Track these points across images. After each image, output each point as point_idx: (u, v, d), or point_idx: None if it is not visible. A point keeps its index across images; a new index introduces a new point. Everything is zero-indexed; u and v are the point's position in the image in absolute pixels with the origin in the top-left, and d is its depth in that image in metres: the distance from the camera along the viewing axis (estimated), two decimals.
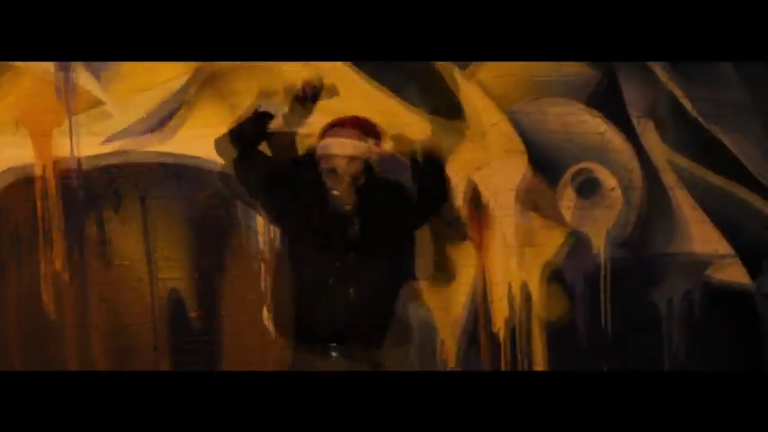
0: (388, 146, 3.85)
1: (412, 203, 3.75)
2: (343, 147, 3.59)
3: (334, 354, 3.57)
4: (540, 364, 4.40)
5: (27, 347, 3.89)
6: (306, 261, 3.60)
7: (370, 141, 3.64)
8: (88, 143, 3.86)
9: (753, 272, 4.48)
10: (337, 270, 3.55)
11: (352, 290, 3.54)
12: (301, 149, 3.86)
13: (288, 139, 3.89)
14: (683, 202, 4.55)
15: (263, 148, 3.79)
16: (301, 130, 3.89)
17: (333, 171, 3.57)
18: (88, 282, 3.92)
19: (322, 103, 3.85)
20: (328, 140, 3.60)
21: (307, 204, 3.62)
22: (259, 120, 3.72)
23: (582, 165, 4.46)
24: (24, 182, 3.86)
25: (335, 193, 3.59)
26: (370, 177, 3.64)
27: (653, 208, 4.54)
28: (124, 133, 3.89)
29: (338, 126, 3.64)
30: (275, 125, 3.78)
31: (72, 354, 3.93)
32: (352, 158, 3.58)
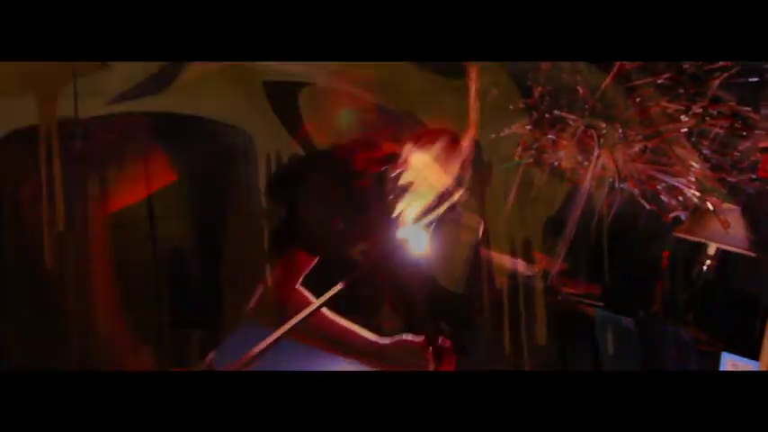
0: None
1: None
2: None
3: None
4: (541, 319, 4.44)
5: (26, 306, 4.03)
6: None
7: None
8: (91, 105, 4.10)
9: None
10: None
11: None
12: None
13: None
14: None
15: None
16: None
17: None
18: (89, 239, 4.09)
19: None
20: None
21: None
22: None
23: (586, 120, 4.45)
24: (28, 142, 4.07)
25: None
26: None
27: None
28: (127, 95, 4.12)
29: None
30: None
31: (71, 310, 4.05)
32: None
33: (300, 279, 4.10)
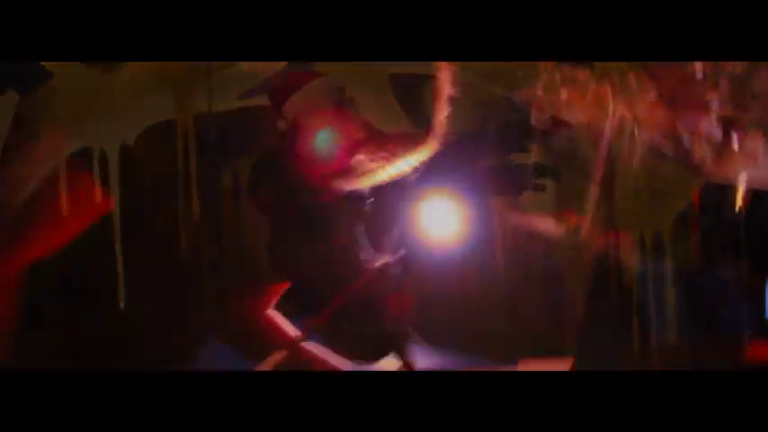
0: None
1: None
2: None
3: None
4: (672, 319, 4.27)
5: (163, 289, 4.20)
6: None
7: None
8: (225, 100, 4.19)
9: None
10: None
11: None
12: None
13: None
14: None
15: None
16: None
17: None
18: (222, 230, 4.21)
19: None
20: None
21: None
22: None
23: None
24: (165, 136, 4.20)
25: None
26: None
27: None
28: (258, 90, 4.20)
29: None
30: None
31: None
32: None
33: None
